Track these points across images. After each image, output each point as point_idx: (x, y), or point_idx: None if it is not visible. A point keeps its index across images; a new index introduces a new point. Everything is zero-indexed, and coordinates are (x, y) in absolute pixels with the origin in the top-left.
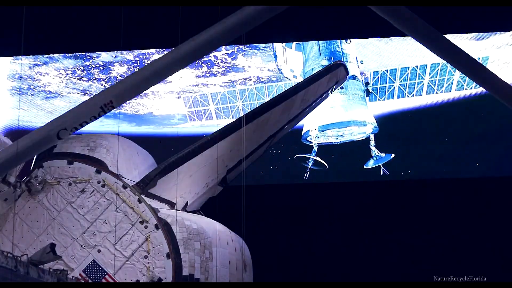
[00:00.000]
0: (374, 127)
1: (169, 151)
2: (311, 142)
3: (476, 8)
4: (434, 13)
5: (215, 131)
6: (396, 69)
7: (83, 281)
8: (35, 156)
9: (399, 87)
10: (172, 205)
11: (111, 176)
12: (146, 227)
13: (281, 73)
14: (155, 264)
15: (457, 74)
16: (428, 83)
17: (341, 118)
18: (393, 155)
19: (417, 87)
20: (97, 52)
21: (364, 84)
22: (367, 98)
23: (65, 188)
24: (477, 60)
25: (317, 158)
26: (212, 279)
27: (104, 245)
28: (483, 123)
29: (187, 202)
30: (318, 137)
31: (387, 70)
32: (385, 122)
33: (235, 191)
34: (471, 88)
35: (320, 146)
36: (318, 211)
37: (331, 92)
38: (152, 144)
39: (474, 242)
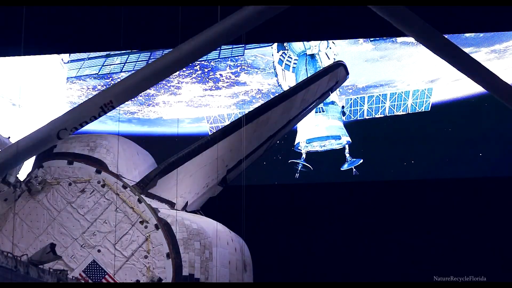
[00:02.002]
0: (347, 140)
1: (169, 151)
2: (301, 150)
3: (476, 8)
4: (434, 13)
5: (215, 131)
6: (364, 96)
7: (83, 281)
8: (35, 156)
9: (367, 109)
10: (172, 205)
11: (111, 176)
12: (146, 227)
13: (280, 87)
14: (155, 264)
15: (410, 99)
16: (389, 106)
17: (322, 134)
18: (361, 160)
19: (380, 109)
20: (116, 73)
21: (341, 107)
22: (343, 117)
23: (65, 188)
24: (477, 60)
25: (304, 163)
26: (212, 279)
27: (104, 245)
28: (483, 123)
29: (187, 202)
30: (306, 147)
31: (357, 97)
32: (387, 121)
33: (235, 191)
34: (422, 110)
35: (308, 153)
36: (317, 211)
37: (331, 92)
38: (152, 144)
39: (474, 242)
